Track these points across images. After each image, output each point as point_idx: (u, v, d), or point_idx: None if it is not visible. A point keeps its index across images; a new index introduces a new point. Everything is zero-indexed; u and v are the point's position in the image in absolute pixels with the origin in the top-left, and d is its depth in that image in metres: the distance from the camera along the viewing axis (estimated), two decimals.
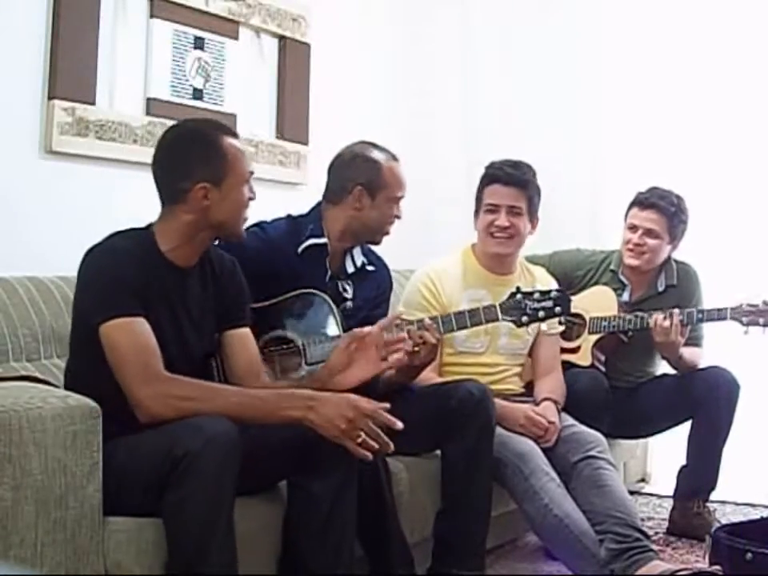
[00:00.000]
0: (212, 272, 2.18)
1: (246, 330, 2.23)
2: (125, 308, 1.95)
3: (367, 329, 2.25)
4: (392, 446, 2.00)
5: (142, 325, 1.96)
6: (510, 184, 2.83)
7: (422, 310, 2.78)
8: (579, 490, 2.59)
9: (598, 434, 2.74)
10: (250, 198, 2.14)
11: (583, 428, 2.76)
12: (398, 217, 2.61)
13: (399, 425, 1.98)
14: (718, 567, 2.31)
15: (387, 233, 2.63)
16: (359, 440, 1.93)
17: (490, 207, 2.85)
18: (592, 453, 2.65)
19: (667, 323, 2.98)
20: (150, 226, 2.11)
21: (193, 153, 2.07)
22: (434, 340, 2.45)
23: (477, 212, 2.91)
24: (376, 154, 2.59)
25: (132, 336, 1.94)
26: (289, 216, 2.64)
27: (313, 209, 2.64)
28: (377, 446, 1.96)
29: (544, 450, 2.68)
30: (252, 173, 2.14)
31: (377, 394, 2.20)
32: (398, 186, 2.59)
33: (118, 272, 1.97)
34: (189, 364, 2.08)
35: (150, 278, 2.02)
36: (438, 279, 2.86)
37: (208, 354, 2.20)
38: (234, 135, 2.15)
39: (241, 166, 2.10)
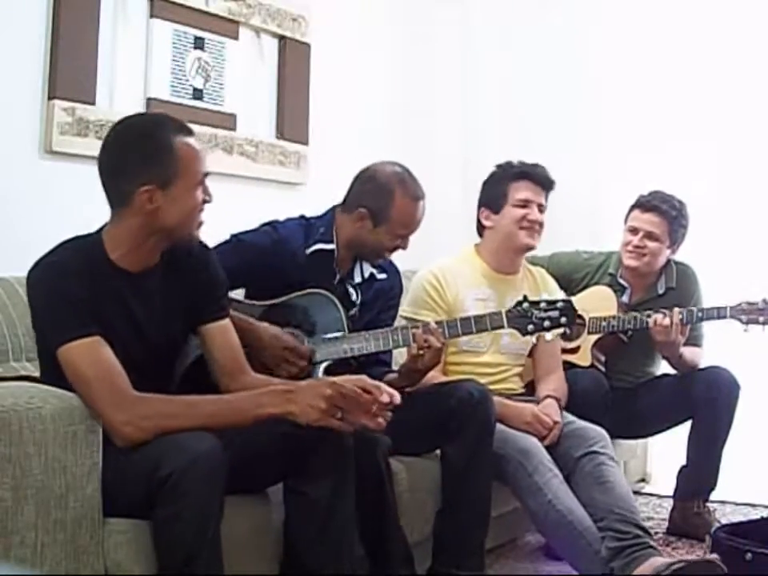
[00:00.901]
0: (176, 268, 2.06)
1: (226, 322, 2.13)
2: (77, 328, 1.85)
3: (386, 398, 1.95)
4: (383, 423, 1.93)
5: (99, 344, 1.85)
6: (540, 183, 2.89)
7: (428, 308, 2.80)
8: (581, 485, 2.60)
9: (601, 430, 2.74)
10: (205, 201, 1.99)
11: (585, 423, 2.77)
12: (402, 248, 2.59)
13: (386, 398, 1.91)
14: (715, 555, 2.31)
15: (384, 258, 2.63)
16: (338, 416, 1.88)
17: (521, 203, 2.87)
18: (594, 448, 2.66)
19: (667, 322, 2.98)
20: (100, 230, 1.99)
21: (137, 152, 1.91)
22: (438, 344, 2.45)
23: (496, 209, 2.90)
24: (396, 186, 2.54)
25: (91, 358, 1.84)
26: (302, 217, 2.64)
27: (328, 211, 2.64)
28: (358, 422, 1.90)
29: (547, 446, 2.69)
30: (207, 174, 1.99)
31: None
32: (404, 225, 2.55)
33: (62, 289, 1.86)
34: (158, 367, 2.02)
35: (99, 288, 1.90)
36: (443, 278, 2.87)
37: (196, 359, 2.17)
38: (188, 132, 1.97)
39: (193, 169, 1.94)
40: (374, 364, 2.61)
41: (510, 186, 2.88)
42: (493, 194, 2.92)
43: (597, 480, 2.59)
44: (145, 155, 1.91)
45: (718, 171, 3.83)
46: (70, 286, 1.87)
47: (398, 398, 1.95)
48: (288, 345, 2.41)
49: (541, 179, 2.89)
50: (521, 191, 2.87)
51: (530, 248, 2.93)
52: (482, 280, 2.91)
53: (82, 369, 1.83)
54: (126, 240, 1.96)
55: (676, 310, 3.00)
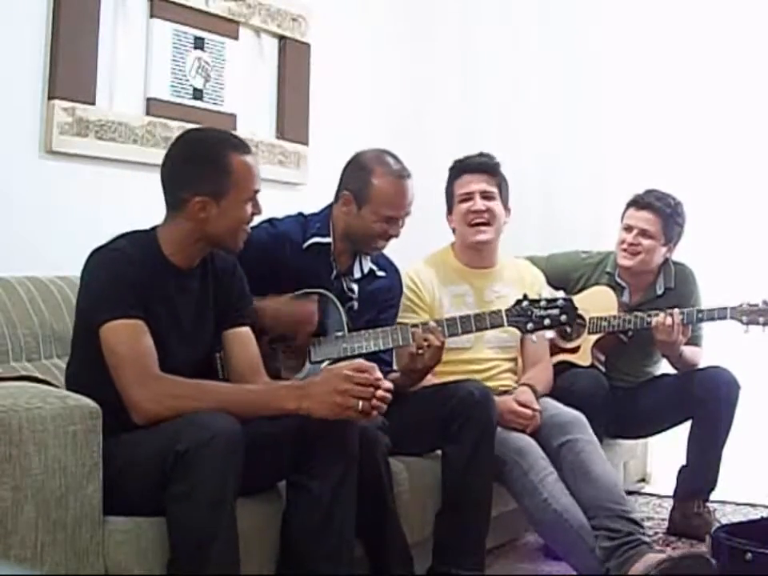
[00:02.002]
0: (213, 272, 2.20)
1: (247, 330, 2.24)
2: (125, 309, 1.96)
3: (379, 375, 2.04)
4: (383, 407, 1.99)
5: (140, 327, 1.97)
6: (479, 171, 2.92)
7: (409, 311, 2.82)
8: (567, 478, 2.60)
9: (575, 413, 2.73)
10: (254, 213, 2.14)
11: (561, 409, 2.76)
12: (393, 236, 2.58)
13: (388, 384, 2.00)
14: (704, 549, 2.32)
15: (377, 248, 2.60)
16: (360, 408, 1.94)
17: (463, 197, 2.91)
18: (571, 435, 2.65)
19: (669, 321, 2.98)
20: (155, 228, 2.12)
21: (197, 165, 2.07)
22: (438, 342, 2.46)
23: (450, 209, 2.98)
24: (376, 166, 2.54)
25: (131, 338, 1.95)
26: (300, 213, 2.65)
27: (324, 208, 2.65)
28: (375, 407, 1.97)
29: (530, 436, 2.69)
30: (258, 191, 2.13)
31: None
32: (387, 204, 2.52)
33: (119, 273, 1.99)
34: (192, 363, 2.10)
35: (151, 279, 2.03)
36: (417, 279, 2.90)
37: (211, 350, 2.21)
38: (246, 150, 2.13)
39: (246, 185, 2.09)
40: (375, 363, 2.61)
41: (454, 185, 2.96)
42: (446, 196, 3.01)
43: (580, 470, 2.59)
44: (204, 169, 2.06)
45: (720, 172, 3.84)
46: (126, 270, 1.99)
47: (387, 384, 2.02)
48: (291, 318, 2.44)
49: (474, 166, 2.92)
50: (461, 186, 2.93)
51: (481, 243, 2.92)
52: (457, 276, 2.94)
53: (116, 345, 1.94)
54: (176, 240, 2.10)
55: (676, 310, 3.00)
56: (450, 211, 2.99)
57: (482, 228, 2.89)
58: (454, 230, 3.01)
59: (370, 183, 2.52)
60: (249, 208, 2.11)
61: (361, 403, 1.94)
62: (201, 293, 2.16)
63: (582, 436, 2.66)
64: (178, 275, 2.11)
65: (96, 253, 2.04)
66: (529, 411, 2.71)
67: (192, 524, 1.78)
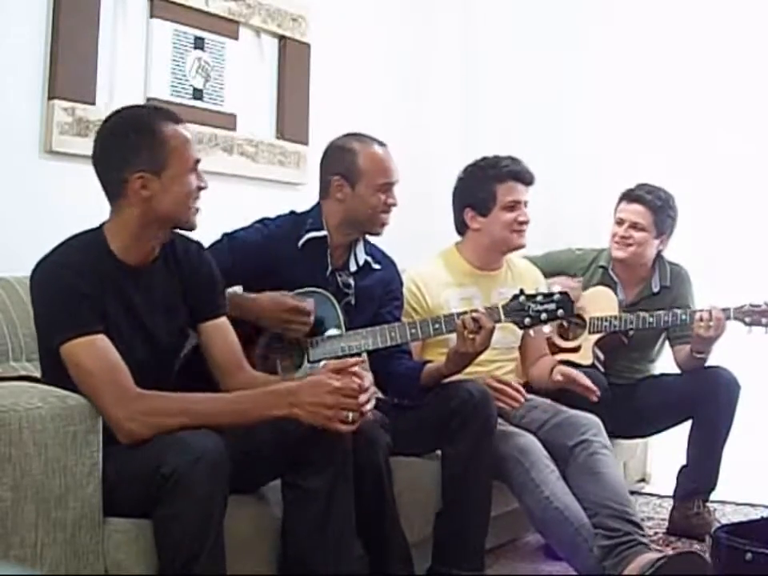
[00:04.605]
0: (176, 264, 2.10)
1: (223, 320, 2.15)
2: (83, 325, 1.86)
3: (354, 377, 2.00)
4: (370, 412, 2.00)
5: (103, 341, 1.87)
6: (525, 180, 2.88)
7: (405, 313, 2.77)
8: (575, 476, 2.60)
9: (592, 416, 2.73)
10: (200, 188, 2.02)
11: (576, 411, 2.76)
12: (392, 204, 2.56)
13: (369, 383, 1.99)
14: (698, 547, 2.33)
15: (383, 222, 2.58)
16: (349, 420, 1.92)
17: (510, 204, 2.85)
18: (587, 436, 2.65)
19: (709, 316, 2.96)
20: (102, 225, 2.01)
21: (129, 141, 1.94)
22: (490, 325, 2.44)
23: (484, 210, 2.87)
24: (353, 143, 2.55)
25: (95, 355, 1.85)
26: (292, 212, 2.65)
27: (314, 206, 2.64)
28: (360, 419, 1.95)
29: (541, 437, 2.68)
30: (198, 160, 2.01)
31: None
32: (378, 173, 2.53)
33: (69, 287, 1.88)
34: (159, 362, 2.04)
35: (103, 283, 1.93)
36: (422, 281, 2.86)
37: (195, 347, 2.18)
38: (178, 121, 2.00)
39: (184, 154, 1.97)
40: (395, 354, 2.60)
41: (497, 188, 2.86)
42: (478, 195, 2.89)
43: (590, 470, 2.58)
44: (135, 143, 1.94)
45: (722, 172, 3.83)
46: (73, 283, 1.89)
47: (369, 379, 2.02)
48: (287, 306, 2.41)
49: (526, 177, 2.89)
50: (509, 193, 2.86)
51: (521, 248, 2.93)
52: (466, 278, 2.91)
53: (85, 365, 1.84)
54: (127, 232, 1.98)
55: (717, 306, 2.98)
56: (482, 213, 2.88)
57: (524, 235, 2.88)
58: (465, 227, 2.93)
59: (356, 158, 2.53)
60: (193, 180, 1.99)
61: (351, 415, 1.91)
62: (163, 289, 2.06)
63: (598, 439, 2.66)
64: (133, 275, 2.00)
65: (40, 266, 1.93)
66: (505, 387, 2.62)
67: (178, 546, 1.76)
